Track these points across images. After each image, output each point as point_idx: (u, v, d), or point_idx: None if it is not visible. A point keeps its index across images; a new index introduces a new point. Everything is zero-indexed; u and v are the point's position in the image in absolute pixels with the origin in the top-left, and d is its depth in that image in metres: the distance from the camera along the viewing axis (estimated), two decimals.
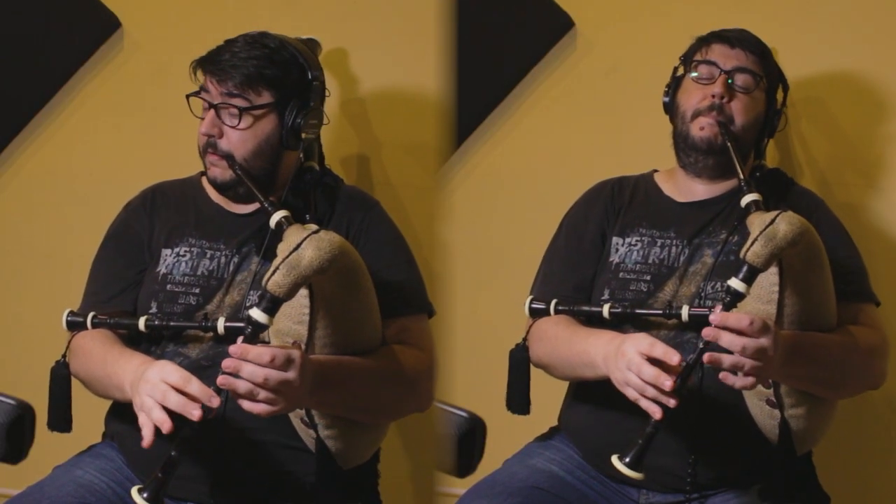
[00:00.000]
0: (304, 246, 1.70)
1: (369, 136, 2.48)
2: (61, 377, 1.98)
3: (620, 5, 2.51)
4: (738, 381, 1.76)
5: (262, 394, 1.70)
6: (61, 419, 1.98)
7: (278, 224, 1.88)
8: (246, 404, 1.72)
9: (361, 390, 1.86)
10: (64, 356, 1.99)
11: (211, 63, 2.01)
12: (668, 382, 1.75)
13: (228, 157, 2.00)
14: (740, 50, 2.10)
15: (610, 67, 2.47)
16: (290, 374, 1.71)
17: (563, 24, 2.50)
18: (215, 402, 1.71)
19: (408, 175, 2.46)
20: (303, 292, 1.76)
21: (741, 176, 1.97)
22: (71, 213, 2.58)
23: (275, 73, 2.01)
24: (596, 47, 2.50)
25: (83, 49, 2.58)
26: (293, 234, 1.75)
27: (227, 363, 1.70)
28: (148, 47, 2.57)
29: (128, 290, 2.04)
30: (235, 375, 1.70)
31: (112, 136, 2.59)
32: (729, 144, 2.03)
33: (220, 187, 2.04)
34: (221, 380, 1.70)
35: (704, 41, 2.14)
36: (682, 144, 2.11)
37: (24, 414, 2.13)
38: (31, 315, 2.59)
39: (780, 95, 2.18)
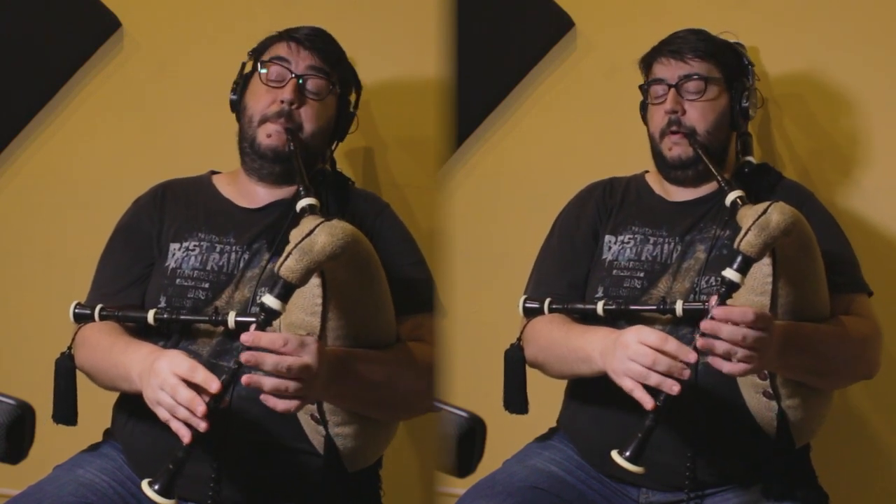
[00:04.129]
0: (316, 232, 1.69)
1: (369, 135, 2.48)
2: (66, 369, 1.97)
3: (620, 5, 2.51)
4: (728, 366, 1.76)
5: (291, 386, 1.69)
6: (67, 412, 1.97)
7: (303, 209, 1.88)
8: (279, 404, 1.70)
9: (378, 382, 1.85)
10: (69, 348, 1.98)
11: (298, 34, 2.08)
12: (686, 372, 1.76)
13: (297, 129, 2.04)
14: (680, 60, 2.11)
15: (610, 67, 2.47)
16: (308, 359, 1.70)
17: (563, 24, 2.51)
18: (214, 386, 1.70)
19: (408, 175, 2.46)
20: (315, 282, 1.75)
21: (719, 180, 1.99)
22: (71, 212, 2.58)
23: (345, 63, 2.14)
24: (596, 47, 2.51)
25: (83, 49, 2.58)
26: (307, 222, 1.74)
27: (245, 357, 1.68)
28: (148, 47, 2.57)
29: (135, 283, 2.04)
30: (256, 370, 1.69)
31: (112, 136, 2.59)
32: (700, 153, 2.06)
33: (272, 157, 2.04)
34: (245, 379, 1.68)
35: (648, 61, 2.16)
36: (661, 163, 2.14)
37: (24, 414, 2.13)
38: (31, 315, 2.59)
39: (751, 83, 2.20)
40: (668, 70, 2.11)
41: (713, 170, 2.02)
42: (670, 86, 2.10)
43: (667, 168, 2.13)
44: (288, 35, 2.09)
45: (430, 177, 2.45)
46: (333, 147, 2.17)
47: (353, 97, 2.18)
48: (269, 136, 2.04)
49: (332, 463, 1.88)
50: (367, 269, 1.82)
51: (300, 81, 2.05)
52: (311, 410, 1.85)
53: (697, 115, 2.09)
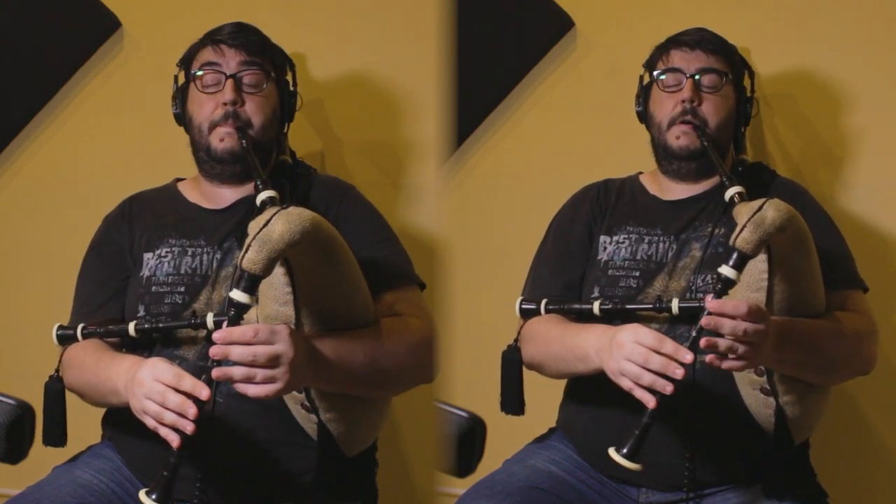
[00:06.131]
0: (273, 221, 1.70)
1: (369, 135, 2.48)
2: (55, 392, 1.97)
3: (620, 5, 2.51)
4: (727, 363, 1.76)
5: (260, 373, 1.70)
6: (56, 434, 1.97)
7: (263, 203, 1.90)
8: (249, 389, 1.71)
9: (359, 361, 1.85)
10: (57, 370, 1.98)
11: (220, 35, 2.09)
12: (679, 371, 1.76)
13: (246, 126, 2.04)
14: (700, 51, 2.11)
15: (610, 67, 2.47)
16: (279, 347, 1.71)
17: (563, 24, 2.51)
18: (205, 393, 1.71)
19: (407, 175, 2.46)
20: (281, 271, 1.76)
21: (723, 173, 1.99)
22: (71, 212, 2.58)
23: (272, 47, 2.13)
24: (596, 47, 2.50)
25: (83, 49, 2.58)
26: (265, 213, 1.75)
27: (213, 351, 1.70)
28: (148, 47, 2.57)
29: (114, 297, 2.05)
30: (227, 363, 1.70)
31: (112, 136, 2.59)
32: (707, 146, 2.06)
33: (230, 159, 2.05)
34: (216, 372, 1.70)
35: (663, 49, 2.16)
36: (663, 153, 2.13)
37: (24, 414, 2.13)
38: (31, 315, 2.59)
39: (747, 82, 2.20)
40: (688, 60, 2.11)
41: (718, 163, 2.02)
42: (688, 75, 2.10)
43: (669, 158, 2.12)
44: (210, 39, 2.11)
45: (430, 177, 2.45)
46: (286, 130, 2.18)
47: (289, 76, 2.18)
48: (221, 140, 2.06)
49: (328, 449, 1.88)
50: (332, 252, 1.81)
51: (236, 80, 2.06)
52: (300, 399, 1.85)
53: (711, 109, 2.10)
